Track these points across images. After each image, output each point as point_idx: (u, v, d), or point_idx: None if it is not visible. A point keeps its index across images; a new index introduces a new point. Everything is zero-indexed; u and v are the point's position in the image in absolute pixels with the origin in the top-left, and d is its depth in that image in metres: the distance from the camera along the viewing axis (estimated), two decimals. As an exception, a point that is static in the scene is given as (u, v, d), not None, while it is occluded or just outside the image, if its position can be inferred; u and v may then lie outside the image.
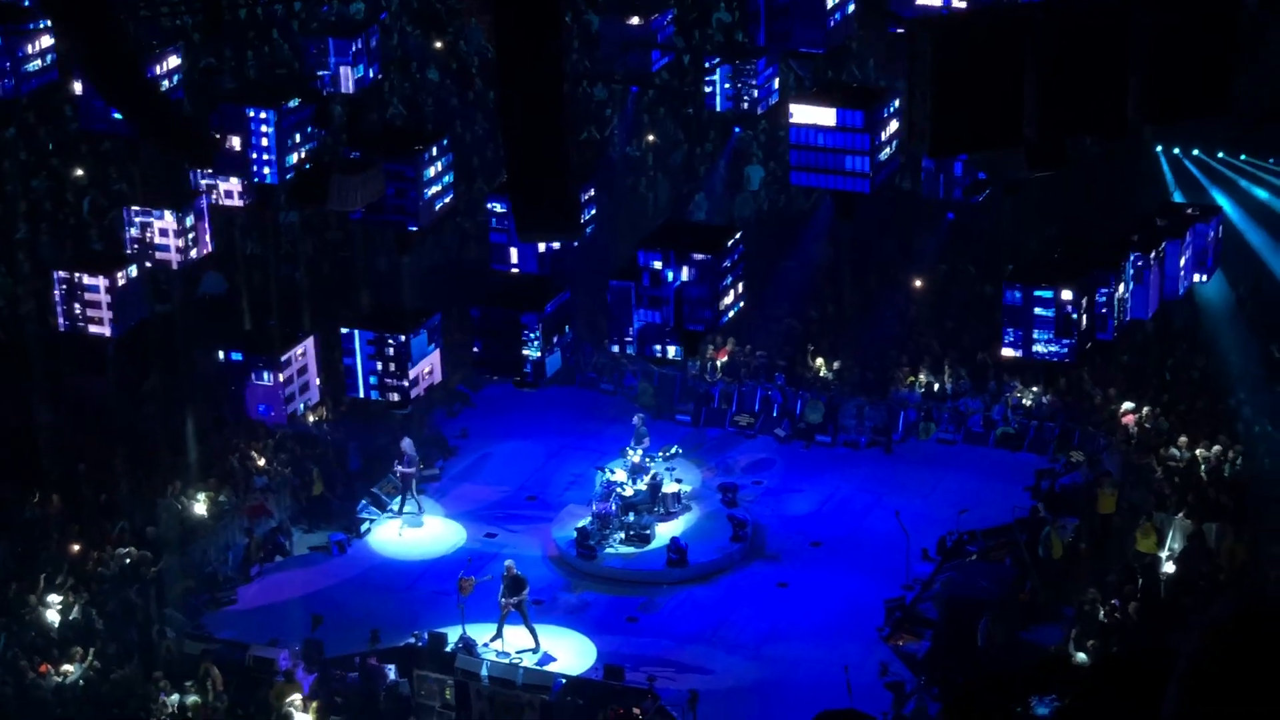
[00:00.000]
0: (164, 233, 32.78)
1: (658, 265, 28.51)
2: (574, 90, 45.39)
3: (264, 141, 29.60)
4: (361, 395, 30.32)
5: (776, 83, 35.01)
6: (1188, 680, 3.94)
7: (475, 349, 29.74)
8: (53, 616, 33.02)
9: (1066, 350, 30.28)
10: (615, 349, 29.27)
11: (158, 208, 32.72)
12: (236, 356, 30.95)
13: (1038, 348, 29.96)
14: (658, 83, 44.58)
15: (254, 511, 37.07)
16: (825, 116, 27.13)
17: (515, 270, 30.82)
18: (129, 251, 32.43)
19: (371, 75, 34.24)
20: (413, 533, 37.77)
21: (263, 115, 29.42)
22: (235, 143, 29.33)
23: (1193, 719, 3.92)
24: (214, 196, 33.26)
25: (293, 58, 43.86)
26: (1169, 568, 34.11)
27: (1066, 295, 30.06)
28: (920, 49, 15.20)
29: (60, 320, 32.55)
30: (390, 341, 29.56)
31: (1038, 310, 30.04)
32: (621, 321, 28.51)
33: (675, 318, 28.46)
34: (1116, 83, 14.30)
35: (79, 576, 33.96)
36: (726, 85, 33.88)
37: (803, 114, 27.03)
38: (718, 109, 34.39)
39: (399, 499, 38.20)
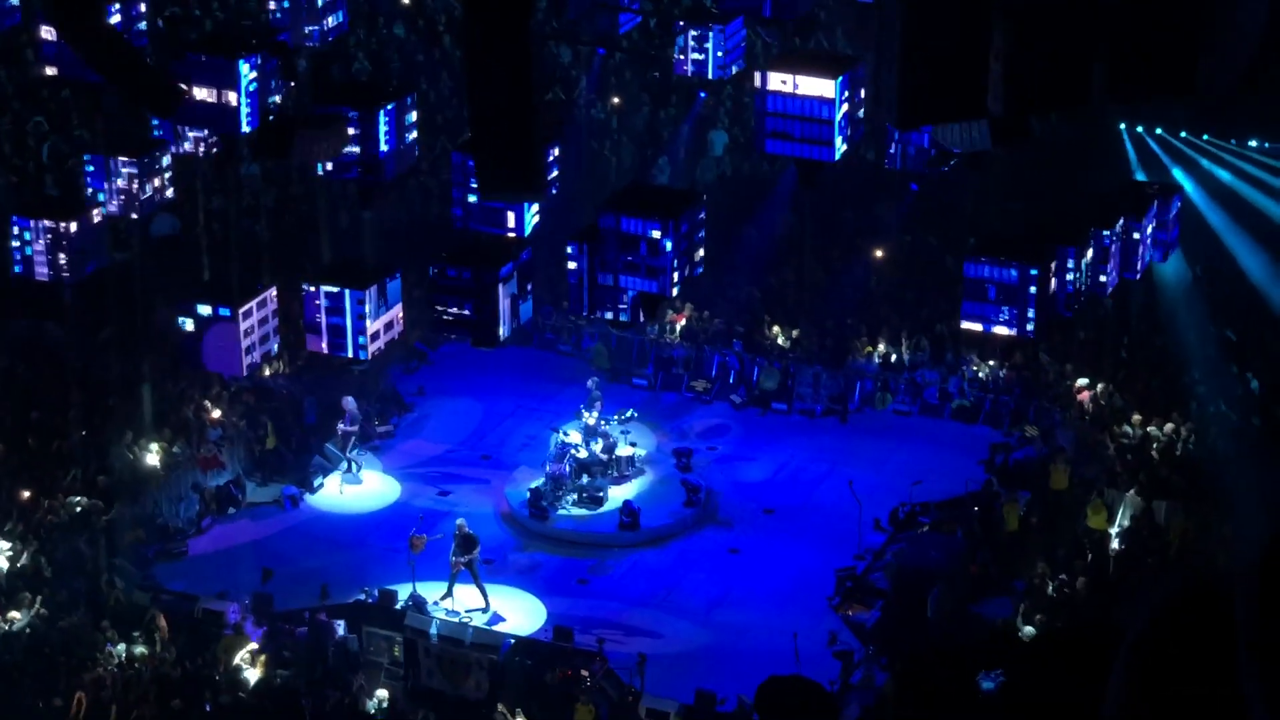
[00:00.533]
0: (125, 180, 32.71)
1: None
2: (541, 50, 45.28)
3: (230, 95, 29.53)
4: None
5: (743, 48, 35.04)
6: (1133, 656, 3.96)
7: (438, 308, 29.73)
8: (1, 563, 32.90)
9: (1024, 325, 30.41)
10: (578, 312, 29.30)
11: (119, 155, 32.64)
12: (199, 311, 30.92)
13: (995, 322, 30.08)
14: (625, 45, 44.52)
15: (207, 463, 36.99)
16: (825, 88, 27.18)
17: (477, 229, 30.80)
18: (96, 198, 32.35)
19: (334, 25, 34.07)
20: (352, 489, 37.67)
21: (230, 66, 29.36)
22: (201, 94, 29.25)
23: (1137, 695, 3.94)
24: (177, 147, 33.21)
25: (257, 10, 43.67)
26: (1118, 544, 34.29)
27: (1026, 270, 30.16)
28: (888, 18, 15.23)
29: (15, 265, 32.50)
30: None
31: (997, 284, 30.15)
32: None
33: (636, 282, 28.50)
34: (1082, 59, 14.31)
35: (29, 524, 33.84)
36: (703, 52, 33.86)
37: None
38: (686, 73, 34.38)
39: (350, 455, 38.10)
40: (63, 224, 32.01)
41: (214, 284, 35.64)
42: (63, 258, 32.00)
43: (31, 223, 32.11)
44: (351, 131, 29.86)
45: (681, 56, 34.83)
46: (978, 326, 30.87)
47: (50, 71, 33.31)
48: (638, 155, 46.18)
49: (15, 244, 32.28)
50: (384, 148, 30.10)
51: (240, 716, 30.55)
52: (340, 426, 37.89)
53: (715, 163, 46.36)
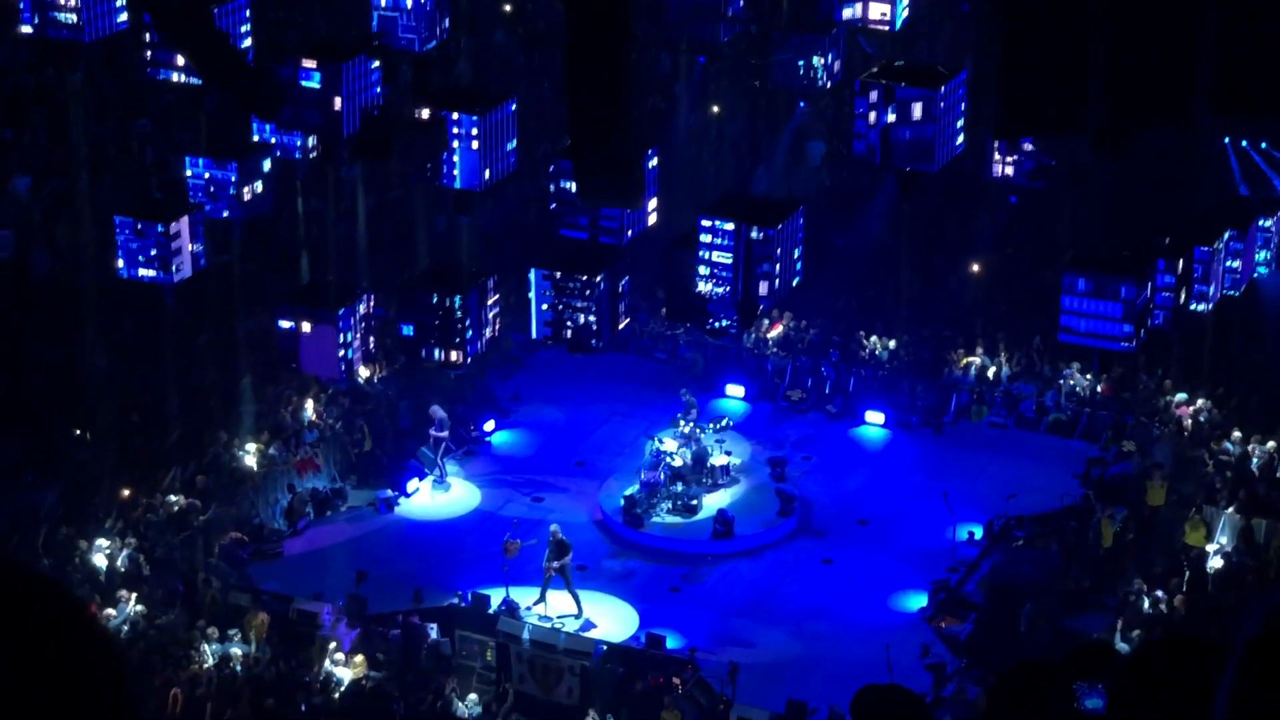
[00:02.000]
0: (226, 183, 32.98)
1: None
2: (640, 57, 45.28)
3: (333, 100, 29.73)
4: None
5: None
6: (1248, 658, 3.91)
7: (538, 315, 29.86)
8: (100, 561, 33.22)
9: (1123, 339, 30.22)
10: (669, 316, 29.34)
11: (222, 158, 32.91)
12: (297, 314, 31.16)
13: (1094, 336, 29.90)
14: (725, 53, 44.47)
15: (303, 465, 37.21)
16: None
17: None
18: (193, 200, 32.62)
19: (436, 31, 34.25)
20: (442, 496, 37.80)
21: (332, 70, 29.57)
22: (303, 97, 29.47)
23: (1252, 697, 3.89)
24: (277, 150, 33.45)
25: (358, 15, 43.89)
26: (1216, 562, 33.98)
27: (1126, 284, 29.99)
28: (991, 30, 15.18)
29: (121, 266, 32.80)
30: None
31: (1096, 298, 29.98)
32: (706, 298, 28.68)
33: (734, 290, 28.52)
34: (1184, 71, 14.21)
35: (128, 522, 34.15)
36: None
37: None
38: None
39: (440, 462, 38.13)
40: (164, 225, 32.28)
41: (312, 287, 35.87)
42: (164, 259, 32.28)
43: (134, 224, 32.40)
44: (451, 136, 29.99)
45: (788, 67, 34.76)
46: (1075, 340, 30.71)
47: (156, 75, 33.66)
48: (736, 164, 46.09)
49: (119, 245, 32.58)
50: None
51: (333, 718, 30.70)
52: (431, 433, 37.99)
53: (813, 173, 46.23)
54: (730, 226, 29.39)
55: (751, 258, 29.02)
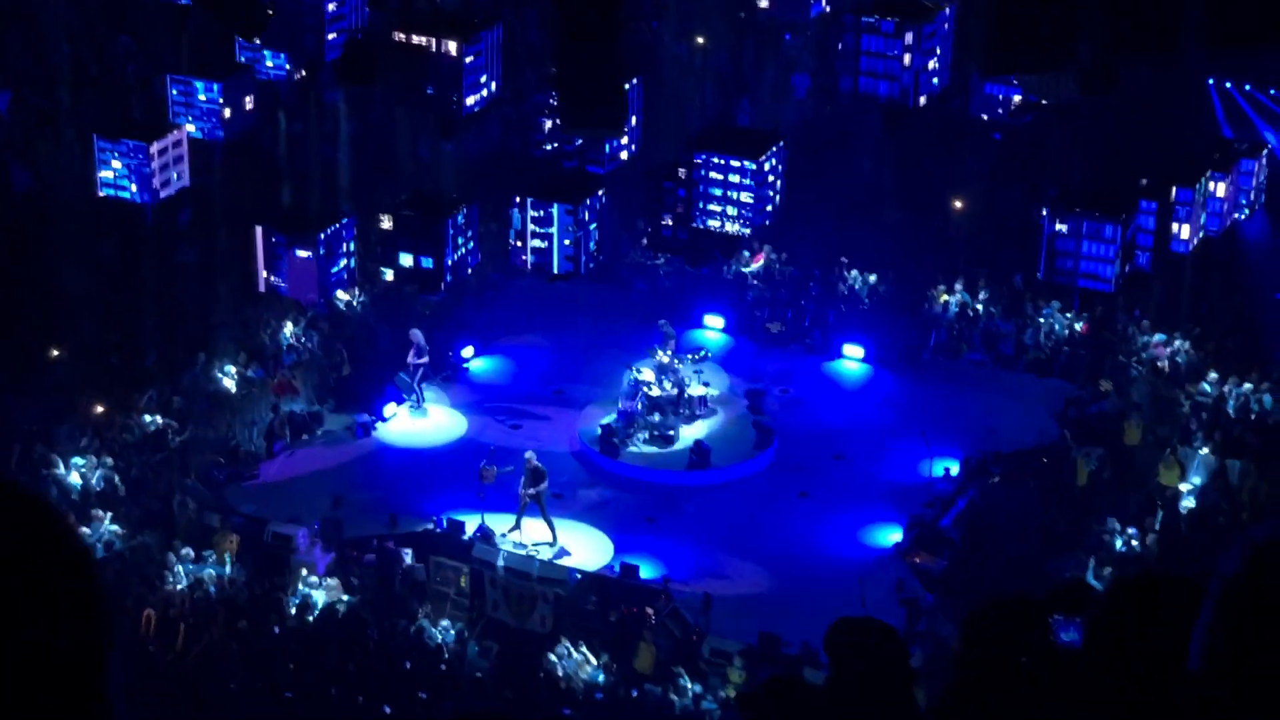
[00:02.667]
0: (210, 103, 32.84)
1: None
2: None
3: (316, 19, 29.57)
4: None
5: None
6: (1226, 597, 3.91)
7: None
8: (75, 479, 33.18)
9: (1104, 279, 30.25)
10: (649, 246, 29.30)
11: (203, 78, 32.76)
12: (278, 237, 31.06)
13: (1074, 274, 29.92)
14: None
15: (281, 388, 37.15)
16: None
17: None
18: (174, 120, 32.48)
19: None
20: (419, 422, 37.77)
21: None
22: (286, 18, 29.29)
23: (1230, 635, 3.89)
24: (260, 72, 33.29)
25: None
26: (1190, 502, 34.10)
27: (1107, 223, 30.01)
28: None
29: (101, 185, 32.69)
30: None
31: (1077, 236, 30.00)
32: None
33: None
34: (1172, 6, 14.17)
35: (104, 442, 34.10)
36: None
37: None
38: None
39: (417, 388, 38.06)
40: (146, 145, 32.16)
41: (293, 211, 35.78)
42: (145, 178, 32.16)
43: (115, 144, 32.28)
44: (434, 61, 29.88)
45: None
46: (1055, 279, 30.73)
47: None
48: (720, 95, 45.95)
49: (99, 164, 32.45)
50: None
51: (307, 641, 30.75)
52: (410, 360, 37.87)
53: (798, 106, 46.11)
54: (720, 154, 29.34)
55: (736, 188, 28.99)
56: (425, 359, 37.90)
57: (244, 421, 36.43)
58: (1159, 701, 4.46)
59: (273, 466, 36.03)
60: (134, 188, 32.31)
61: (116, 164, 32.15)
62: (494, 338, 41.05)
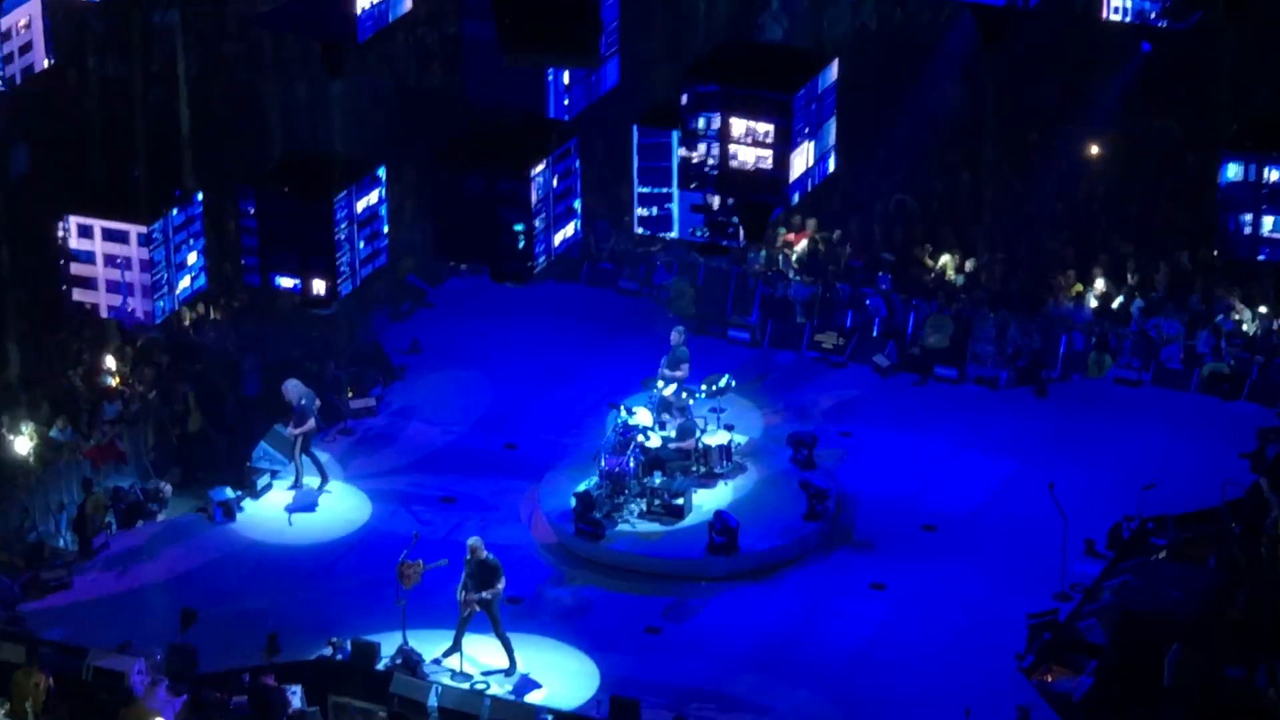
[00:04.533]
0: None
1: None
2: None
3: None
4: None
5: None
6: None
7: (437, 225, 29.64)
8: None
9: (1312, 253, 30.15)
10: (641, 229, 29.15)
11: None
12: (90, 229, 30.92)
13: (1269, 248, 29.76)
14: None
15: (102, 454, 37.11)
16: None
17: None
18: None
19: None
20: (306, 517, 37.73)
21: None
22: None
23: None
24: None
25: None
26: None
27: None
28: None
29: None
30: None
31: (1270, 191, 29.87)
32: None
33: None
34: None
35: None
36: None
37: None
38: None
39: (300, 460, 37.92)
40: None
41: (112, 188, 35.65)
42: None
43: None
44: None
45: None
46: (1240, 255, 30.59)
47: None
48: (737, 4, 46.09)
49: None
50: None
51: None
52: (289, 430, 37.62)
53: (851, 11, 46.25)
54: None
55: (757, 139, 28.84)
56: (310, 423, 37.66)
57: (47, 505, 36.35)
58: None
59: (91, 570, 35.95)
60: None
61: None
62: (416, 368, 41.10)
